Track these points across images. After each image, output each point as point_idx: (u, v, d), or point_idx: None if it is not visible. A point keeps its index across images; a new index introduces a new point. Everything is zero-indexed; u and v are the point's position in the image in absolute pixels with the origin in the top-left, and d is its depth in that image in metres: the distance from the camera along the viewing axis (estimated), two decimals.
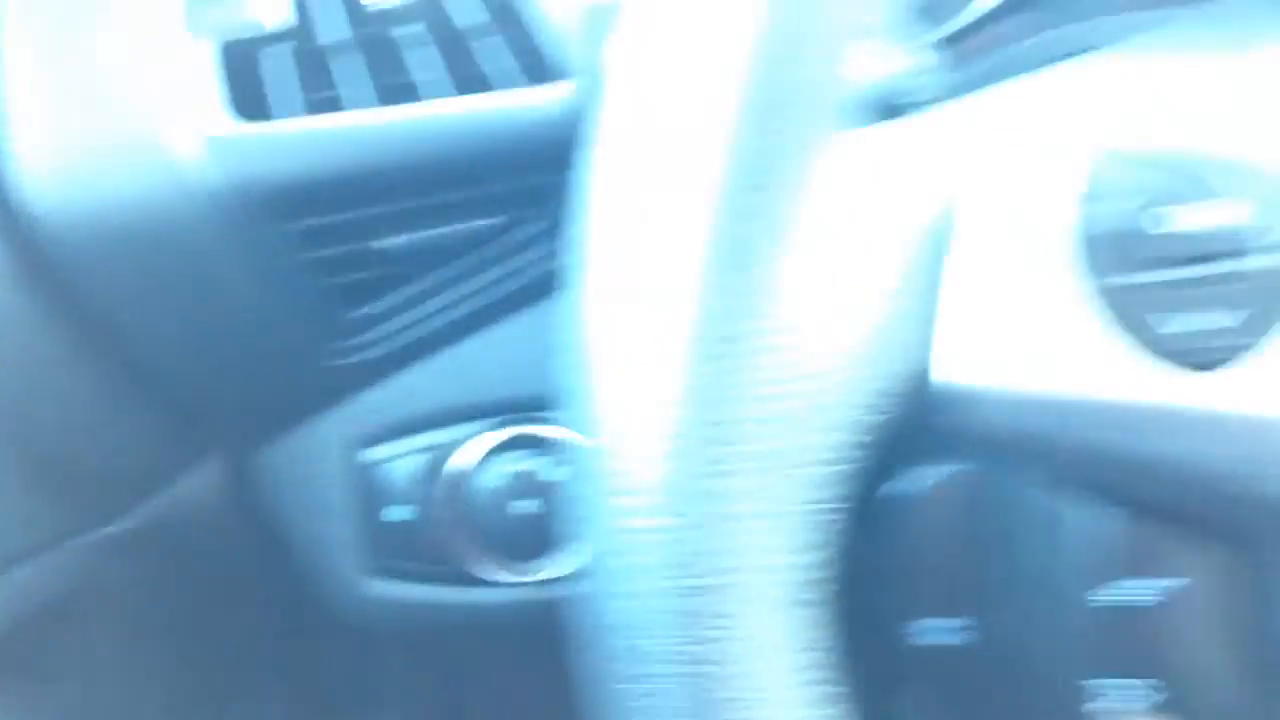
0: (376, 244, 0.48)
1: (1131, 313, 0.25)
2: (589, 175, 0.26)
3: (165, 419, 0.53)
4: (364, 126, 0.46)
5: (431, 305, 0.51)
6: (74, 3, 0.47)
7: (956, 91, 0.32)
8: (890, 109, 0.32)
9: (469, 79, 0.47)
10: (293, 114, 0.46)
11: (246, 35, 0.47)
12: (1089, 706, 0.32)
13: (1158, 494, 0.28)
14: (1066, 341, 0.26)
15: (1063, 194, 0.26)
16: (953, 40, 0.42)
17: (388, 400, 0.53)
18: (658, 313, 0.24)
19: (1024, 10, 0.44)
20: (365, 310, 0.51)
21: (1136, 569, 0.30)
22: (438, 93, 0.47)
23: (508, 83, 0.47)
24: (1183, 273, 0.25)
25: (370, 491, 0.53)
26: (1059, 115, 0.27)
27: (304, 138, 0.46)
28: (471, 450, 0.51)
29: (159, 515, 0.55)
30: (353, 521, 0.54)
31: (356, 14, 0.48)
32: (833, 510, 0.26)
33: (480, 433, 0.52)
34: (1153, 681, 0.30)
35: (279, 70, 0.47)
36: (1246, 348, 0.25)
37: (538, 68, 0.46)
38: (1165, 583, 0.30)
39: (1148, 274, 0.25)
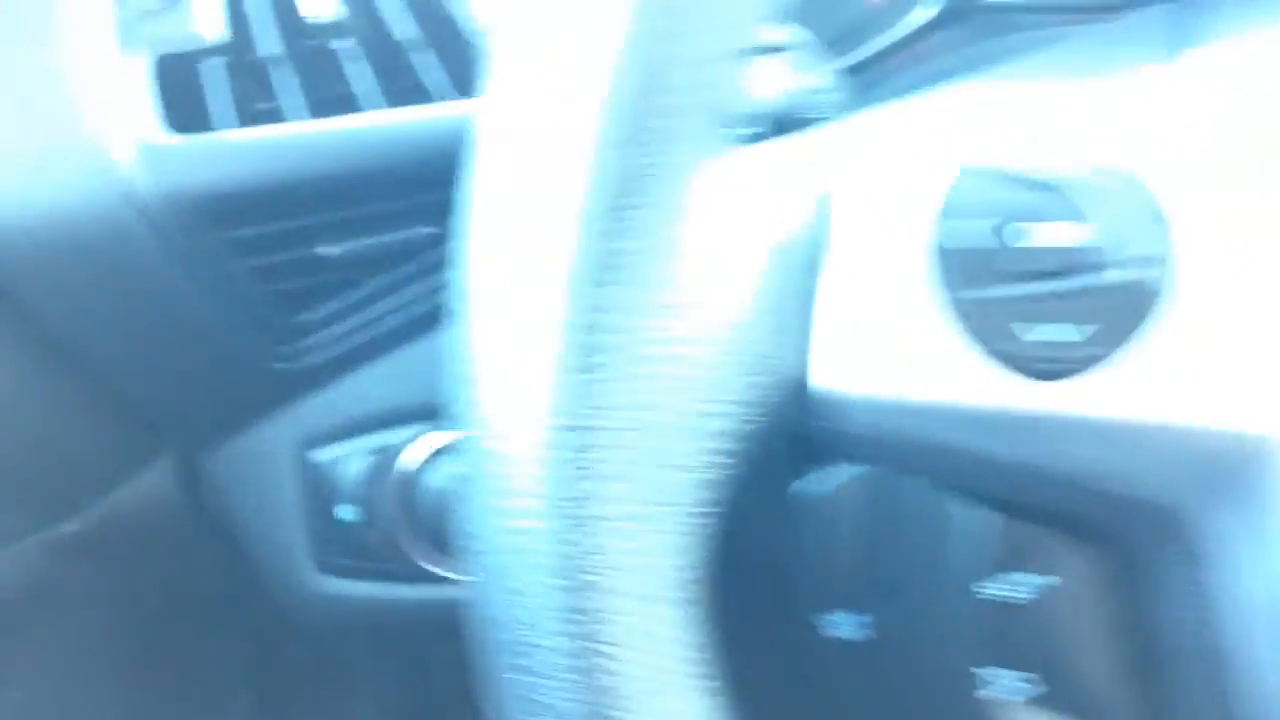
0: (316, 251, 0.49)
1: (986, 325, 0.27)
2: (468, 191, 0.27)
3: (114, 420, 0.54)
4: (300, 136, 0.47)
5: (374, 311, 0.52)
6: (13, 17, 0.48)
7: (848, 109, 0.33)
8: (785, 125, 0.33)
9: (406, 90, 0.48)
10: (233, 125, 0.47)
11: (186, 48, 0.48)
12: (979, 694, 0.33)
13: (1025, 496, 0.29)
14: (930, 351, 0.27)
15: (924, 210, 0.27)
16: (859, 67, 0.44)
17: (337, 402, 0.54)
18: (530, 324, 0.25)
19: (932, 36, 0.45)
20: (308, 315, 0.52)
21: (1016, 565, 0.32)
22: (376, 104, 0.48)
23: (444, 94, 0.48)
24: (1034, 288, 0.26)
25: (321, 491, 0.54)
26: (926, 134, 0.29)
27: (241, 147, 0.47)
28: (419, 450, 0.52)
29: (111, 515, 0.56)
30: (304, 521, 0.55)
31: (295, 27, 0.49)
32: (708, 512, 0.27)
33: (427, 433, 0.53)
34: (1031, 675, 0.32)
35: (219, 82, 0.48)
36: (1097, 359, 0.26)
37: (469, 80, 0.48)
38: (1039, 580, 0.31)
39: (1001, 288, 0.26)
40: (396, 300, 0.52)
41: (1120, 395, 0.26)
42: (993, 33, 0.46)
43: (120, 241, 0.47)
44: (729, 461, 0.27)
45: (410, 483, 0.52)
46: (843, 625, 0.38)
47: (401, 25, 0.49)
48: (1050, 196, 0.26)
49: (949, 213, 0.27)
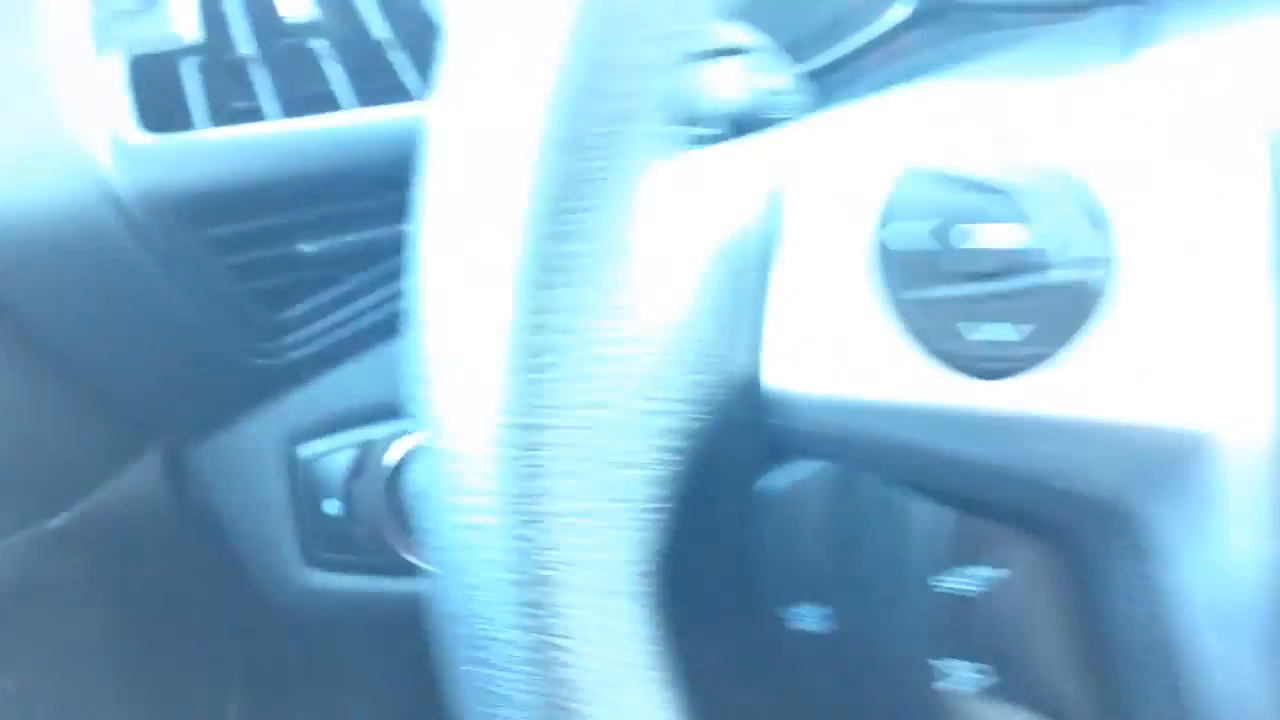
0: (295, 249, 0.50)
1: (931, 325, 0.27)
2: (421, 194, 0.27)
3: (99, 417, 0.54)
4: (277, 135, 0.47)
5: (355, 307, 0.53)
6: None
7: (810, 110, 0.33)
8: (745, 126, 0.34)
9: (383, 89, 0.49)
10: (210, 124, 0.48)
11: (163, 48, 0.48)
12: (937, 685, 0.34)
13: (973, 492, 0.30)
14: (876, 350, 0.28)
15: (869, 210, 0.28)
16: (834, 65, 0.44)
17: (320, 397, 0.54)
18: (481, 324, 0.26)
19: (908, 34, 0.45)
20: (289, 312, 0.52)
21: (970, 559, 0.32)
22: (352, 103, 0.48)
23: (420, 93, 0.48)
24: (978, 288, 0.26)
25: (306, 486, 0.54)
26: (876, 134, 0.29)
27: (218, 146, 0.47)
28: (403, 444, 0.53)
29: (97, 512, 0.57)
30: (290, 515, 0.55)
31: (272, 26, 0.49)
32: (660, 508, 0.28)
33: (411, 427, 0.53)
34: (984, 666, 0.32)
35: (196, 81, 0.48)
36: (1041, 358, 0.27)
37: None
38: (991, 573, 0.32)
39: (945, 289, 0.27)
40: (377, 296, 0.53)
41: (1064, 393, 0.27)
42: (968, 31, 0.47)
43: (100, 240, 0.47)
44: (680, 458, 0.28)
45: (395, 477, 0.53)
46: (806, 618, 0.38)
47: (377, 25, 0.49)
48: (993, 198, 0.26)
49: (892, 214, 0.27)
